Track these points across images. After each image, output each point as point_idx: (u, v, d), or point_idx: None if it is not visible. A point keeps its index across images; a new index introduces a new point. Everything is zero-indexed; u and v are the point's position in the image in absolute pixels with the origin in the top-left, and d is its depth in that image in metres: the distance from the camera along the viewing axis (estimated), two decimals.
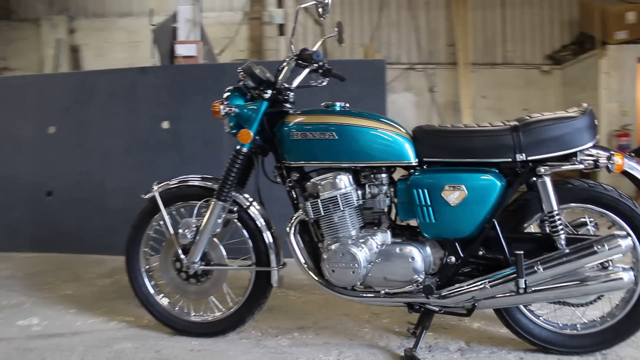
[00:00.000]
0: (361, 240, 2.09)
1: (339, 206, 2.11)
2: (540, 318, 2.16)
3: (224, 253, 2.39)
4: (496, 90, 8.72)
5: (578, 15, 8.34)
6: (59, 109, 4.40)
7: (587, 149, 2.00)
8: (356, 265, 2.04)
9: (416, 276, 2.05)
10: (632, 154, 2.07)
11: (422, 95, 8.94)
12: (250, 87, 2.31)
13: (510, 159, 2.01)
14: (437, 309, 2.10)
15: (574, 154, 1.99)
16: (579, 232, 2.11)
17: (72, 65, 9.10)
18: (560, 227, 1.99)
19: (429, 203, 2.04)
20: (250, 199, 2.37)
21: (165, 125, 4.28)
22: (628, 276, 1.92)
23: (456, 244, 2.08)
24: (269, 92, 2.26)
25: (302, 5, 2.36)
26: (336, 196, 2.11)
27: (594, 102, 7.38)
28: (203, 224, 2.33)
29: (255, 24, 9.16)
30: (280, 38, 9.06)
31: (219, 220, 2.34)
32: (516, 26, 8.76)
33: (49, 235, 4.34)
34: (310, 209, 2.14)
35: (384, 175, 2.13)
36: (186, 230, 2.35)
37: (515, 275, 1.94)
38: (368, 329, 2.51)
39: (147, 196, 2.44)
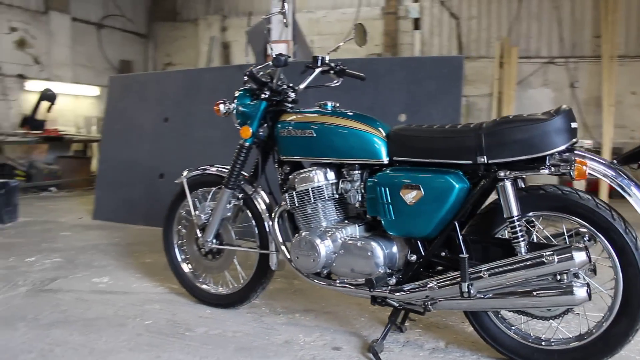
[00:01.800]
0: (328, 232, 2.21)
1: (310, 198, 2.25)
2: (513, 327, 2.09)
3: (233, 235, 2.66)
4: None
5: None
6: (173, 102, 5.03)
7: (557, 153, 1.89)
8: (316, 254, 2.17)
9: (377, 270, 2.11)
10: (615, 162, 1.91)
11: (561, 91, 8.31)
12: (254, 89, 2.53)
13: (471, 162, 1.98)
14: (396, 304, 2.14)
15: (544, 159, 1.90)
16: (556, 242, 1.99)
17: (223, 60, 10.06)
18: (521, 234, 1.92)
19: (389, 200, 2.09)
20: (256, 188, 2.60)
21: None
22: (580, 292, 1.79)
23: (418, 242, 2.11)
24: (267, 93, 2.45)
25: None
26: (308, 189, 2.25)
27: None
28: (215, 208, 2.62)
29: (390, 18, 9.26)
30: (415, 32, 9.05)
31: (228, 206, 2.61)
32: None
33: (159, 212, 4.99)
34: (288, 200, 2.32)
35: (357, 172, 2.22)
36: (201, 213, 2.66)
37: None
38: (366, 319, 2.61)
39: (177, 181, 2.80)
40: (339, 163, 2.28)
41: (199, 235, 2.69)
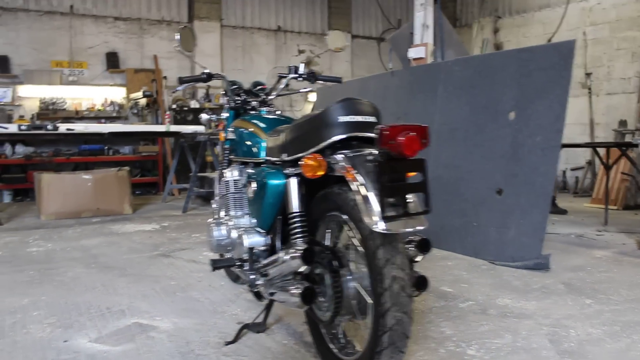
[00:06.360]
0: (225, 220, 2.52)
1: (225, 191, 2.59)
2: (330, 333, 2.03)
3: None
4: None
5: None
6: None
7: (329, 148, 1.82)
8: (211, 236, 2.51)
9: (244, 256, 2.34)
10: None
11: None
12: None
13: (278, 159, 2.07)
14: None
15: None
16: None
17: None
18: (298, 230, 1.92)
19: (248, 195, 2.33)
20: None
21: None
22: (294, 297, 1.76)
23: (268, 235, 2.25)
24: (231, 103, 2.85)
25: None
26: (222, 183, 2.61)
27: None
28: None
29: None
30: None
31: None
32: None
33: None
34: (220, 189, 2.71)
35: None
36: None
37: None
38: None
39: None
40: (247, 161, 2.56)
41: None
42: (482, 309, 2.73)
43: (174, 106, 8.73)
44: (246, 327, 2.42)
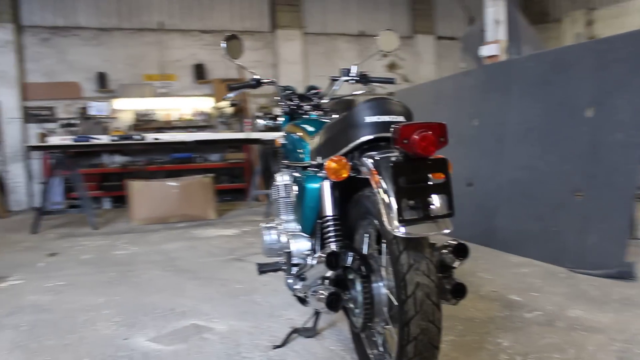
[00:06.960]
0: (275, 224, 2.53)
1: (274, 195, 2.60)
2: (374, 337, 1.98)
3: None
4: None
5: None
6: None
7: (355, 150, 1.77)
8: (263, 239, 2.52)
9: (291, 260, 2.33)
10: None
11: None
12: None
13: (316, 162, 2.04)
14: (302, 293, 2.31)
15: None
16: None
17: None
18: (332, 234, 1.88)
19: (293, 198, 2.32)
20: None
21: (475, 122, 4.67)
22: (319, 301, 1.71)
23: (310, 238, 2.23)
24: (286, 108, 2.85)
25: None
26: (273, 187, 2.62)
27: None
28: None
29: None
30: None
31: None
32: None
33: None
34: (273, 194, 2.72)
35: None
36: None
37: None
38: None
39: None
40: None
41: None
42: (549, 320, 2.54)
43: (258, 114, 8.97)
44: (296, 331, 2.42)
